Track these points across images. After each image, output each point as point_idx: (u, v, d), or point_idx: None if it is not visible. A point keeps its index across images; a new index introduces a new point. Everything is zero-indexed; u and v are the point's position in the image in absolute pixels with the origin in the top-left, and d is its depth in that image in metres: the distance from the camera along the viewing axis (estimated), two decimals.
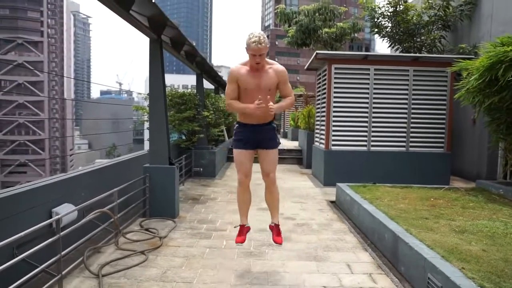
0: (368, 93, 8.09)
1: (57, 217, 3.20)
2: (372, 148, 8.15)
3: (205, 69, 9.81)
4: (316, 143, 9.52)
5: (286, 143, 16.15)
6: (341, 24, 16.23)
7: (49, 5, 77.29)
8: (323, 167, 8.38)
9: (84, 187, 4.35)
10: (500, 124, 5.82)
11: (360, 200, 5.34)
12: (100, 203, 4.05)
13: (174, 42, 6.36)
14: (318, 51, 8.14)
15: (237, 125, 3.65)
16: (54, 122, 78.37)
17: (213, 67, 10.47)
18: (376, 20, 11.29)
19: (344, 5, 18.37)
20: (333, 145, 8.16)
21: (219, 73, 12.13)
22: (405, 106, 8.10)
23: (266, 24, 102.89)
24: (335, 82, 8.09)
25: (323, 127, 8.53)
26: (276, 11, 17.73)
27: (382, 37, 11.43)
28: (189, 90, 10.31)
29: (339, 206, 6.38)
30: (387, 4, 10.89)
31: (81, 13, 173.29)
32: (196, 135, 9.09)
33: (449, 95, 7.96)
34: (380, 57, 8.48)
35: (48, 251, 3.02)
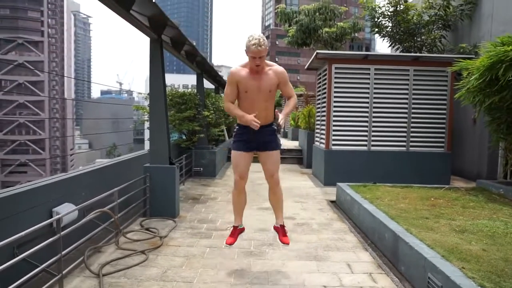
0: (368, 93, 8.09)
1: (57, 216, 3.20)
2: (373, 148, 8.14)
3: (205, 69, 9.82)
4: (317, 143, 9.52)
5: (286, 143, 16.14)
6: (342, 23, 16.24)
7: (49, 5, 77.29)
8: (323, 166, 8.38)
9: (85, 186, 4.36)
10: (501, 124, 5.83)
11: (361, 199, 5.34)
12: (101, 203, 4.05)
13: (175, 42, 6.36)
14: (318, 51, 8.14)
15: (237, 127, 3.64)
16: (54, 121, 78.39)
17: (214, 66, 10.47)
18: (376, 19, 11.28)
19: (345, 5, 18.38)
20: (334, 144, 8.16)
21: (220, 73, 12.13)
22: (406, 105, 8.10)
23: (267, 23, 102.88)
24: (335, 82, 8.09)
25: (323, 127, 8.53)
26: (276, 11, 17.74)
27: (382, 36, 11.43)
28: (190, 89, 10.32)
29: (340, 205, 6.38)
30: (387, 3, 10.89)
31: (82, 13, 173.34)
32: (197, 135, 9.10)
33: (450, 94, 7.96)
34: (381, 57, 8.48)
35: (48, 250, 3.03)
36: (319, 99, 9.24)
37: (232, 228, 3.76)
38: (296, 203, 6.55)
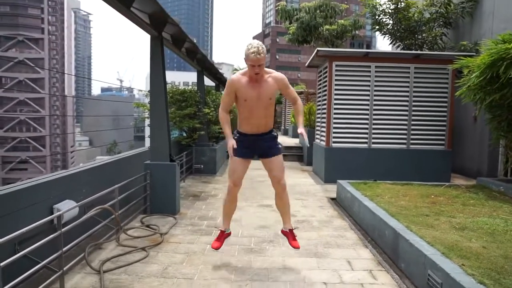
0: (369, 90, 8.08)
1: (58, 213, 3.21)
2: (373, 145, 8.15)
3: (206, 66, 9.81)
4: (317, 140, 9.52)
5: (286, 140, 16.14)
6: (342, 21, 16.21)
7: (49, 2, 77.22)
8: (323, 164, 8.38)
9: (85, 183, 4.36)
10: (501, 122, 5.83)
11: (361, 197, 5.35)
12: (101, 200, 4.06)
13: (175, 39, 6.36)
14: (319, 48, 8.14)
15: (237, 134, 3.63)
16: (55, 119, 78.49)
17: (214, 64, 10.46)
18: (377, 17, 11.27)
19: (345, 2, 18.35)
20: (334, 142, 8.16)
21: (220, 70, 12.12)
22: (406, 103, 8.10)
23: (267, 21, 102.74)
24: (336, 80, 8.08)
25: (324, 124, 8.53)
26: (277, 8, 17.70)
27: (383, 34, 11.42)
28: (190, 87, 10.31)
29: (340, 203, 6.38)
30: (388, 1, 10.87)
31: (82, 10, 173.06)
32: (197, 132, 9.10)
33: (450, 92, 7.95)
34: (381, 55, 8.47)
35: (49, 247, 3.03)
36: (319, 97, 9.24)
37: (219, 232, 3.76)
38: (297, 200, 6.56)
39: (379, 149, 8.12)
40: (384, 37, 11.47)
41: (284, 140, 16.45)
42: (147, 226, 4.83)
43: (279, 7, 17.19)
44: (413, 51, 9.59)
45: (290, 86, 3.61)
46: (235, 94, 3.47)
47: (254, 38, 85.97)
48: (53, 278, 3.02)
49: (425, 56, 8.15)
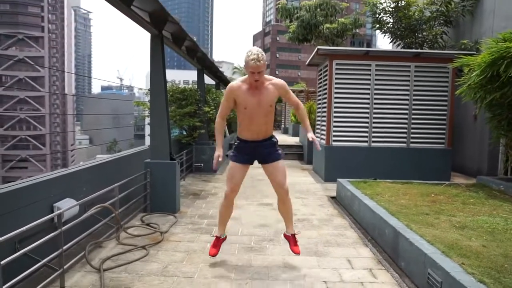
0: (369, 89, 8.08)
1: (58, 212, 3.21)
2: (373, 144, 8.14)
3: (206, 65, 9.80)
4: (317, 139, 9.51)
5: (287, 139, 16.15)
6: (343, 19, 16.19)
7: (49, 1, 77.14)
8: (323, 162, 8.38)
9: (86, 182, 4.36)
10: (502, 120, 5.83)
11: (361, 195, 5.34)
12: (101, 198, 4.06)
13: (175, 38, 6.35)
14: (319, 47, 8.13)
15: (238, 140, 3.63)
16: (55, 117, 78.45)
17: (214, 62, 10.45)
18: (377, 15, 11.26)
19: (346, 1, 18.27)
20: (334, 140, 8.16)
21: (220, 69, 12.11)
22: (406, 102, 8.09)
23: (267, 19, 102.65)
24: (336, 78, 8.08)
25: (324, 123, 8.53)
26: (277, 7, 17.68)
27: (383, 32, 11.41)
28: (190, 85, 10.31)
29: (340, 201, 6.38)
30: None
31: (82, 8, 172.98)
32: (197, 131, 9.10)
33: (451, 91, 7.95)
34: (382, 53, 8.46)
35: (49, 245, 3.04)
36: (319, 95, 9.23)
37: (214, 238, 3.75)
38: (297, 199, 6.56)
39: (379, 148, 8.12)
40: (385, 35, 11.46)
41: (284, 139, 16.45)
42: (147, 224, 4.83)
43: (280, 5, 17.18)
44: (414, 50, 9.59)
45: (290, 91, 3.61)
46: (235, 101, 3.47)
47: (254, 36, 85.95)
48: (53, 276, 3.02)
49: (425, 55, 8.15)
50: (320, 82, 9.11)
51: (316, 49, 8.16)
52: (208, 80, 11.04)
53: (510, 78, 4.82)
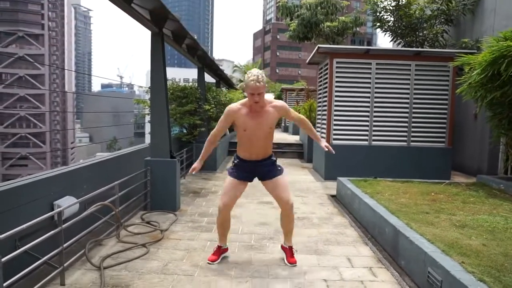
0: (369, 88, 8.07)
1: (59, 209, 3.21)
2: (373, 143, 8.14)
3: (206, 63, 9.79)
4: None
5: (287, 137, 16.15)
6: (343, 18, 16.16)
7: None
8: (324, 161, 8.38)
9: (86, 180, 4.37)
10: (502, 119, 5.82)
11: (361, 194, 5.35)
12: (102, 196, 4.06)
13: (176, 36, 6.34)
14: (320, 45, 8.12)
15: (237, 159, 3.63)
16: (55, 115, 78.43)
17: (215, 60, 10.44)
18: (378, 14, 11.24)
19: None
20: (334, 139, 8.16)
21: (221, 67, 12.10)
22: (407, 100, 8.08)
23: (268, 17, 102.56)
24: (336, 76, 8.07)
25: (324, 121, 8.53)
26: (277, 5, 17.65)
27: (384, 31, 11.39)
28: (190, 83, 10.30)
29: (340, 200, 6.39)
30: None
31: (82, 6, 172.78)
32: (197, 129, 9.09)
33: (451, 89, 7.94)
34: (382, 51, 8.45)
35: (50, 243, 3.04)
36: (320, 94, 9.23)
37: (216, 246, 3.75)
38: (297, 197, 6.56)
39: (379, 147, 8.12)
40: (385, 34, 11.46)
41: (284, 137, 16.46)
42: (148, 222, 4.84)
43: (280, 3, 17.14)
44: (414, 48, 9.57)
45: (290, 110, 3.63)
46: (234, 123, 3.49)
47: (254, 34, 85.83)
48: (54, 274, 3.03)
49: (426, 53, 8.14)
50: (321, 81, 9.10)
51: (316, 47, 8.15)
52: (208, 78, 11.03)
53: (510, 77, 4.81)
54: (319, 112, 9.31)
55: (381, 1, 11.13)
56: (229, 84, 17.40)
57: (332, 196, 6.77)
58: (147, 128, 6.00)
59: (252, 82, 3.21)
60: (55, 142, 78.19)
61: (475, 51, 7.30)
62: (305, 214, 5.50)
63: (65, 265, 3.12)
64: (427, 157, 8.05)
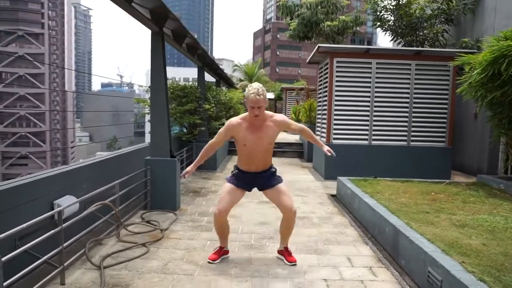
0: (370, 87, 8.07)
1: (59, 209, 3.21)
2: (373, 142, 8.14)
3: (206, 62, 9.78)
4: (317, 137, 9.49)
5: (287, 137, 16.13)
6: (343, 17, 16.15)
7: None
8: (324, 160, 8.38)
9: (86, 179, 4.36)
10: (502, 119, 5.82)
11: (361, 193, 5.35)
12: (102, 195, 4.06)
13: (176, 35, 6.34)
14: (320, 45, 8.11)
15: (236, 170, 3.64)
16: (55, 114, 78.46)
17: (215, 60, 10.44)
18: (378, 13, 11.24)
19: None
20: (334, 138, 8.16)
21: (220, 66, 12.10)
22: (407, 100, 8.08)
23: (268, 17, 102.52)
24: (336, 76, 8.06)
25: (324, 121, 8.52)
26: (278, 4, 17.65)
27: (384, 30, 11.39)
28: (191, 83, 10.29)
29: (340, 199, 6.39)
30: None
31: (82, 5, 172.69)
32: (197, 128, 9.09)
33: (451, 89, 7.94)
34: (382, 51, 8.45)
35: (50, 242, 3.04)
36: (320, 93, 9.22)
37: (218, 247, 3.74)
38: (297, 196, 6.56)
39: (379, 146, 8.12)
40: (385, 33, 11.45)
41: (284, 137, 16.44)
42: (148, 222, 4.84)
43: (280, 3, 17.13)
44: (414, 48, 9.56)
45: (291, 122, 3.68)
46: (233, 136, 3.52)
47: (254, 34, 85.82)
48: (54, 273, 3.03)
49: (426, 53, 8.13)
50: (321, 80, 9.10)
51: (316, 47, 8.14)
52: (208, 77, 11.03)
53: (511, 77, 4.81)
54: (319, 112, 9.30)
55: (382, 1, 11.13)
56: (229, 84, 17.40)
57: (332, 195, 6.77)
58: (147, 127, 5.99)
59: (253, 95, 3.24)
60: (55, 141, 78.23)
61: (476, 50, 7.31)
62: (305, 214, 5.50)
63: (65, 264, 3.12)
64: (427, 157, 8.05)
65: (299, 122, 15.28)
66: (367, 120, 8.12)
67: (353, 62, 8.06)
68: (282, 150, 12.75)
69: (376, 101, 8.07)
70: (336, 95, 8.08)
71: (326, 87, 8.37)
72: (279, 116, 3.56)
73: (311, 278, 3.34)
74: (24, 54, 71.28)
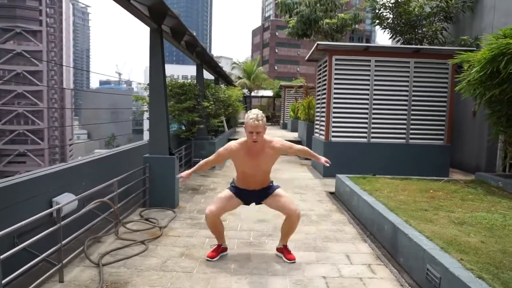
0: (368, 85, 8.06)
1: (57, 206, 3.20)
2: (372, 140, 8.15)
3: (205, 60, 9.77)
4: (316, 134, 9.51)
5: (286, 134, 16.14)
6: (342, 15, 16.13)
7: None
8: None
9: (84, 176, 4.36)
10: (501, 117, 5.83)
11: (360, 191, 5.35)
12: (100, 193, 4.05)
13: (175, 32, 6.32)
14: (319, 42, 8.10)
15: (233, 186, 3.69)
16: (53, 112, 78.24)
17: (213, 57, 10.42)
18: (377, 11, 11.22)
19: None
20: (333, 136, 8.16)
21: (219, 64, 12.09)
22: (406, 98, 8.08)
23: (267, 14, 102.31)
24: (335, 74, 8.06)
25: (323, 118, 8.52)
26: (276, 2, 17.60)
27: (383, 28, 11.37)
28: (189, 80, 10.27)
29: (339, 197, 6.39)
30: None
31: (80, 2, 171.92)
32: (196, 126, 9.08)
33: (450, 87, 7.94)
34: (381, 49, 8.44)
35: (48, 240, 3.03)
36: (319, 91, 9.22)
37: (216, 245, 3.75)
38: (296, 194, 6.56)
39: (378, 144, 8.12)
40: (384, 31, 11.43)
41: (283, 134, 16.46)
42: (146, 219, 4.83)
43: (279, 0, 17.09)
44: (413, 46, 9.56)
45: (291, 146, 3.66)
46: (231, 160, 3.59)
47: (253, 31, 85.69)
48: (52, 271, 3.02)
49: (425, 51, 8.13)
50: (320, 78, 9.09)
51: (315, 44, 8.13)
52: (207, 75, 11.01)
53: (510, 75, 4.81)
54: (318, 109, 9.30)
55: None
56: (228, 81, 17.39)
57: (331, 193, 6.77)
58: (146, 125, 5.98)
59: (251, 120, 3.28)
60: (53, 139, 78.07)
61: (474, 48, 7.32)
62: (304, 211, 5.49)
63: (63, 262, 3.12)
64: (426, 155, 8.06)
65: (297, 119, 15.30)
66: (366, 118, 8.12)
67: (352, 59, 8.06)
68: None
69: (375, 99, 8.07)
70: (335, 93, 8.08)
71: (325, 84, 8.37)
72: (278, 142, 3.55)
73: (310, 275, 3.35)
74: (22, 51, 70.99)
